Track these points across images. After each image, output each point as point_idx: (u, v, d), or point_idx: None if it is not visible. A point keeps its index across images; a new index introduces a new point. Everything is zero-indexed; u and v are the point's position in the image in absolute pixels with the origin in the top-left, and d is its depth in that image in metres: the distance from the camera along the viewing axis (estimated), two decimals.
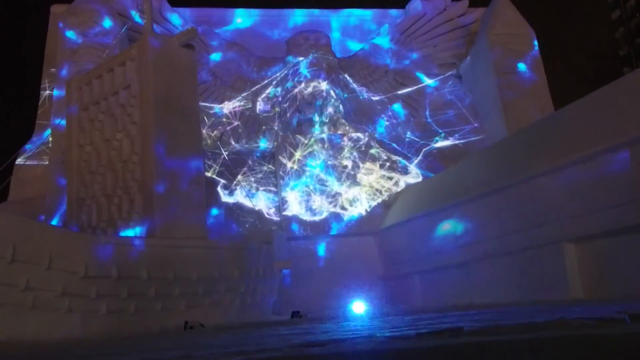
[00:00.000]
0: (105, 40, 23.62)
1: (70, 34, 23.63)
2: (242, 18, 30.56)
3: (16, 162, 22.66)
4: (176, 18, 27.38)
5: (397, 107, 28.62)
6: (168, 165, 16.33)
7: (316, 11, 31.56)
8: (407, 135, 27.96)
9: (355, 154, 25.20)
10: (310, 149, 24.86)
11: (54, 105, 23.05)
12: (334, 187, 24.52)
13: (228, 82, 27.62)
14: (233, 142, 26.47)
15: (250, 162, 25.56)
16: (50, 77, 25.34)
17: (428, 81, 29.04)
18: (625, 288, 12.51)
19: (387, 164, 26.09)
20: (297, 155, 24.73)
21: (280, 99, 27.32)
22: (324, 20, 31.07)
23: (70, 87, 19.29)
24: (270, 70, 28.09)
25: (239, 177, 24.92)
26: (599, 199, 13.20)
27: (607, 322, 6.32)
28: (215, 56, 27.75)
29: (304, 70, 26.59)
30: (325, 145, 25.03)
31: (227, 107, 27.11)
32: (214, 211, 23.28)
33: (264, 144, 26.74)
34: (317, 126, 25.95)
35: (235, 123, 26.89)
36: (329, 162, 24.80)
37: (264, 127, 27.08)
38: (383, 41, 29.27)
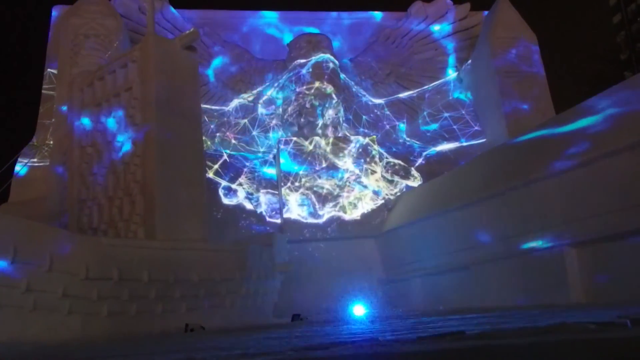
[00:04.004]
0: (107, 41, 23.62)
1: (71, 35, 23.61)
2: (244, 20, 30.57)
3: (17, 164, 22.65)
4: (178, 20, 27.39)
5: (398, 109, 28.63)
6: (169, 167, 16.34)
7: (318, 13, 31.55)
8: (409, 139, 27.97)
9: (356, 156, 25.19)
10: (311, 152, 24.85)
11: (55, 106, 23.06)
12: (335, 189, 24.49)
13: (230, 84, 27.64)
14: (234, 144, 26.47)
15: (251, 164, 25.56)
16: (51, 78, 25.34)
17: (430, 84, 29.07)
18: (626, 292, 12.49)
19: (388, 167, 26.12)
20: (299, 157, 24.71)
21: (282, 101, 27.32)
22: (326, 23, 31.06)
23: (72, 88, 19.33)
24: (272, 72, 28.10)
25: (240, 179, 24.91)
26: (599, 203, 13.19)
27: (608, 326, 6.31)
28: (217, 58, 27.77)
29: (305, 72, 26.60)
30: (327, 148, 25.03)
31: (229, 108, 27.13)
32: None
33: (265, 146, 26.74)
34: (318, 129, 25.93)
35: (237, 125, 26.90)
36: (330, 165, 24.78)
37: (265, 130, 27.09)
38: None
